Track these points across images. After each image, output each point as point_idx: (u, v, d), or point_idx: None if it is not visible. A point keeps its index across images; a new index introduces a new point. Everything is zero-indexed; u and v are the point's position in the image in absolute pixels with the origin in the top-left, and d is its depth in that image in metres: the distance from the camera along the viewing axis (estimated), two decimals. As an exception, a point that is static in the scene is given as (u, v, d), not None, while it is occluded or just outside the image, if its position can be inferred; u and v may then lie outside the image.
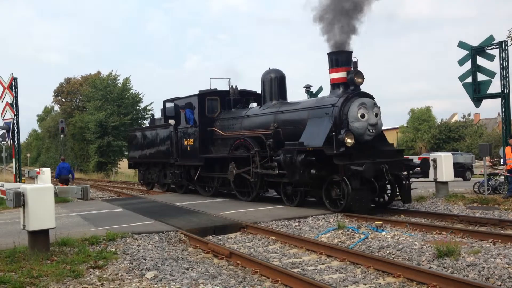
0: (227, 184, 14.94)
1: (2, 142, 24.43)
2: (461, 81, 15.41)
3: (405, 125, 59.50)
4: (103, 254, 7.28)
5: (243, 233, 9.53)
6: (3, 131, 19.08)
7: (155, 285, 5.82)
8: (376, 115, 11.57)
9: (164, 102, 18.44)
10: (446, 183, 13.85)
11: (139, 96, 45.98)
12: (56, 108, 67.82)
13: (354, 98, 11.50)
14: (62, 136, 35.97)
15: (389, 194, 11.89)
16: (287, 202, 12.50)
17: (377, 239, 8.16)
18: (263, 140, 13.04)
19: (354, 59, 11.87)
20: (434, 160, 13.81)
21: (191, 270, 6.54)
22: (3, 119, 18.25)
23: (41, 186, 7.62)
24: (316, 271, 6.53)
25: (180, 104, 17.01)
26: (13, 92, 17.71)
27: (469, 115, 53.40)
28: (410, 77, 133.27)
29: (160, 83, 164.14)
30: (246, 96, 16.40)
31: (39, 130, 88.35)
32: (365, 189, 10.81)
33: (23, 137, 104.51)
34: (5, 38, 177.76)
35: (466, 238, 8.18)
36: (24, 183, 14.69)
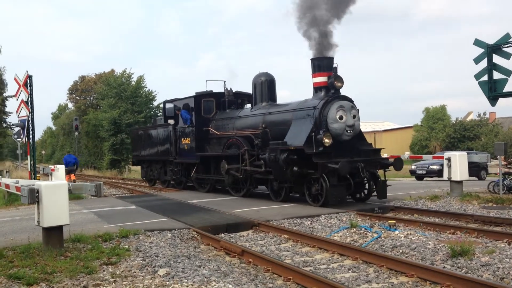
0: (221, 181, 15.59)
1: (18, 140, 24.84)
2: (477, 80, 15.18)
3: (420, 124, 59.00)
4: (116, 250, 7.32)
5: (255, 231, 9.53)
6: (19, 128, 19.32)
7: (167, 282, 5.84)
8: (354, 116, 12.31)
9: (164, 102, 19.28)
10: (460, 182, 13.68)
11: (153, 94, 46.25)
12: (70, 105, 68.58)
13: (333, 101, 12.28)
14: (76, 133, 36.44)
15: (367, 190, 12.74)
16: (273, 198, 13.24)
17: (390, 238, 8.10)
18: (253, 140, 13.67)
19: (335, 65, 12.62)
20: (449, 159, 13.68)
21: (203, 267, 6.55)
22: (18, 117, 18.44)
23: (56, 183, 7.68)
24: (328, 269, 6.51)
25: (178, 105, 17.77)
26: (28, 90, 17.89)
27: (484, 113, 52.81)
28: (425, 76, 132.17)
29: (173, 81, 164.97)
30: (240, 98, 17.00)
31: (54, 128, 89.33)
32: (341, 186, 11.68)
33: (38, 134, 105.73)
34: (21, 37, 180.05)
35: (480, 238, 8.08)
36: (38, 179, 14.86)
